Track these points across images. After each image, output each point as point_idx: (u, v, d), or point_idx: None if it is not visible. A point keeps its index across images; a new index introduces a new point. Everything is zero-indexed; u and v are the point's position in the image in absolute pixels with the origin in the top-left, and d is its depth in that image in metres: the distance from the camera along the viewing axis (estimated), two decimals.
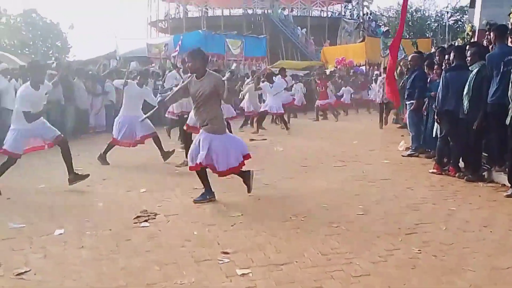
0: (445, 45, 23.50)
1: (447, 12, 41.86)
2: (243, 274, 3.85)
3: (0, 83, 10.59)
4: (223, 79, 6.26)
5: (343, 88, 20.94)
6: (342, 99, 20.46)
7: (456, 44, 12.90)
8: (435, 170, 7.75)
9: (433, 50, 23.91)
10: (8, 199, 6.43)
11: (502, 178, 6.64)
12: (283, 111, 14.37)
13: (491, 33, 7.30)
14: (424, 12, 49.71)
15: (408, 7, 48.11)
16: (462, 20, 41.79)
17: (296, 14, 36.24)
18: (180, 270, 3.97)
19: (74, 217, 5.53)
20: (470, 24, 10.54)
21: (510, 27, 7.70)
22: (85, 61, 23.89)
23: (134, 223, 5.27)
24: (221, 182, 6.90)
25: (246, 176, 6.37)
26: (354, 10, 37.42)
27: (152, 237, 4.81)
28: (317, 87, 18.71)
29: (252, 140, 12.13)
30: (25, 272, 3.92)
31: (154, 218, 5.43)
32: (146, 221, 5.33)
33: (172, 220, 5.40)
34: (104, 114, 14.07)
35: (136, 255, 4.32)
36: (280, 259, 4.13)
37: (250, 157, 6.43)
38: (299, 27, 33.74)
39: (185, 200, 6.29)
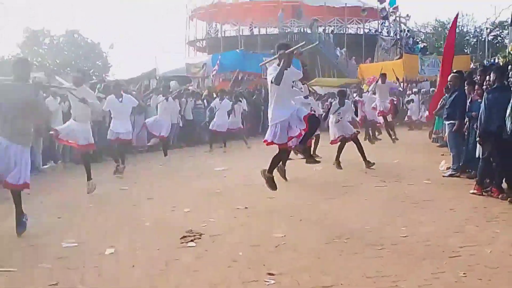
0: (485, 61, 23.36)
1: (486, 28, 41.21)
2: None
3: (51, 104, 11.01)
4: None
5: None
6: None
7: (496, 61, 12.81)
8: (476, 191, 7.68)
9: (472, 66, 23.79)
10: (59, 218, 6.70)
11: None
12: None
13: None
14: (462, 28, 49.15)
15: (445, 22, 47.93)
16: (501, 36, 41.16)
17: (333, 32, 36.30)
18: None
19: (123, 236, 5.74)
20: (511, 44, 10.44)
21: None
22: (127, 80, 24.54)
23: (181, 243, 5.44)
24: (263, 203, 7.07)
25: None
26: (391, 27, 37.24)
27: (199, 257, 4.96)
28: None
29: (290, 159, 12.23)
30: None
31: (200, 238, 5.58)
32: (192, 241, 5.49)
33: (217, 240, 5.54)
34: (145, 133, 14.38)
35: (186, 274, 4.47)
36: (326, 282, 4.22)
37: None
38: (338, 48, 33.83)
39: (228, 220, 6.43)
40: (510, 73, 7.10)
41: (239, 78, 22.10)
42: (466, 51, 42.17)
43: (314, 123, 6.67)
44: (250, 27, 36.65)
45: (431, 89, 24.43)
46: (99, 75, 37.22)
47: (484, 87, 8.40)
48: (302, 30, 35.60)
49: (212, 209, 7.03)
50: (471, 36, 48.02)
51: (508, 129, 6.88)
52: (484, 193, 7.54)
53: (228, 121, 14.91)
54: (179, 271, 4.56)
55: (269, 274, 4.40)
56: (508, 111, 6.88)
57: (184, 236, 5.61)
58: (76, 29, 42.42)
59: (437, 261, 4.68)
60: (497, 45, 39.03)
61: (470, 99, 9.23)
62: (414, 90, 25.20)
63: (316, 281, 4.24)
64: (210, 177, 9.89)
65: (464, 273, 4.34)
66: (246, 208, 7.00)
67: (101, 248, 5.23)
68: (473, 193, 7.66)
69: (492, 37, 40.47)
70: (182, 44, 41.86)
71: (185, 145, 15.79)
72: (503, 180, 7.46)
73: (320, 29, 35.03)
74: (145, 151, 14.14)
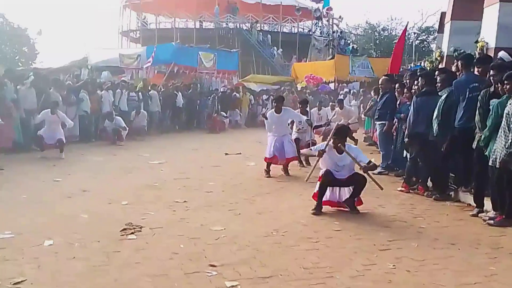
0: (412, 65, 24.41)
1: (414, 33, 43.09)
2: (232, 286, 4.09)
3: None
4: None
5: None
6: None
7: (423, 65, 13.51)
8: (403, 189, 8.15)
9: (400, 69, 24.79)
10: None
11: (468, 198, 7.08)
12: None
13: (459, 62, 7.79)
14: (391, 31, 51.07)
15: (375, 25, 49.62)
16: (427, 41, 43.13)
17: (266, 29, 36.79)
18: (171, 282, 4.19)
19: (61, 228, 5.67)
20: (439, 50, 11.08)
21: (476, 56, 8.22)
22: (56, 69, 23.75)
23: (121, 235, 5.45)
24: (201, 197, 7.17)
25: None
26: (324, 27, 38.14)
27: (140, 250, 5.00)
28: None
29: (226, 154, 12.41)
30: (22, 281, 4.07)
31: (140, 231, 5.62)
32: (132, 233, 5.52)
33: (157, 233, 5.59)
34: (77, 124, 14.07)
35: (127, 267, 4.51)
36: (265, 273, 4.39)
37: None
38: (275, 47, 34.36)
39: (167, 213, 6.48)
40: (438, 78, 7.52)
41: (174, 71, 21.91)
42: None
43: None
44: (185, 21, 36.49)
45: (361, 90, 25.36)
46: (25, 62, 35.81)
47: (413, 90, 8.85)
48: (238, 26, 35.82)
49: (150, 203, 7.05)
50: None
51: (434, 131, 7.34)
52: (411, 191, 8.00)
53: None
54: (120, 264, 4.58)
55: (211, 265, 4.53)
56: (435, 114, 7.34)
57: (124, 229, 5.63)
58: (2, 13, 40.44)
59: (368, 254, 4.97)
60: (423, 49, 40.87)
61: (399, 102, 9.73)
62: (346, 90, 26.01)
63: (256, 272, 4.41)
64: (146, 170, 9.86)
65: (393, 265, 4.65)
66: (184, 201, 7.08)
67: (39, 240, 5.16)
68: (400, 190, 8.11)
69: (418, 42, 42.32)
70: (115, 34, 41.02)
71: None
72: (428, 179, 7.94)
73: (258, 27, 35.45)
74: (76, 142, 13.80)
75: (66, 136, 13.54)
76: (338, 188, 6.84)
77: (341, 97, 21.73)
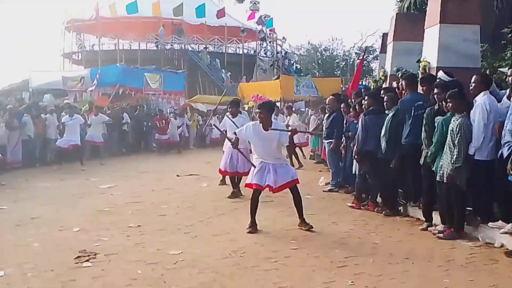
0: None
1: (356, 53, 44.41)
2: None
3: None
4: None
5: None
6: None
7: (366, 84, 13.97)
8: (354, 205, 8.33)
9: (342, 88, 25.46)
10: None
11: (417, 212, 7.33)
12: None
13: (403, 81, 8.11)
14: (333, 52, 52.48)
15: (317, 46, 50.84)
16: (367, 60, 44.47)
17: (212, 50, 37.00)
18: None
19: (12, 258, 5.48)
20: (382, 69, 11.46)
21: (419, 75, 8.57)
22: None
23: (76, 263, 5.31)
24: (156, 221, 7.09)
25: None
26: (268, 48, 38.75)
27: (96, 277, 4.89)
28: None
29: (178, 176, 12.31)
30: None
31: (95, 258, 5.49)
32: (87, 261, 5.39)
33: (113, 259, 5.48)
34: (20, 149, 13.62)
35: None
36: None
37: None
38: (223, 70, 34.57)
39: (121, 239, 6.36)
40: (385, 97, 7.80)
41: (120, 93, 21.61)
42: (336, 73, 45.03)
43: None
44: (129, 42, 36.21)
45: (307, 109, 25.80)
46: None
47: (358, 109, 9.09)
48: (183, 47, 35.83)
49: (103, 228, 6.90)
50: (341, 59, 51.35)
51: (383, 149, 7.58)
52: (362, 207, 8.18)
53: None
54: None
55: None
56: (383, 132, 7.58)
57: (78, 256, 5.49)
58: None
59: (327, 272, 5.05)
60: (364, 68, 42.11)
61: (345, 120, 9.99)
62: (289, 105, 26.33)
63: None
64: (96, 195, 9.64)
65: (352, 282, 4.74)
66: (138, 226, 6.97)
67: None
68: (351, 206, 8.29)
69: (359, 61, 43.60)
70: (57, 56, 40.17)
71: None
72: (378, 195, 8.16)
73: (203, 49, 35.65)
74: (19, 168, 13.35)
75: (9, 161, 13.18)
76: (271, 173, 6.69)
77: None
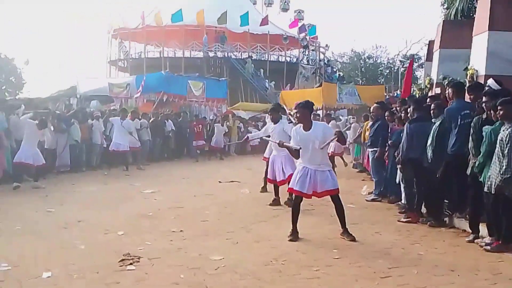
0: (398, 91, 24.74)
1: (400, 61, 43.82)
2: None
3: None
4: None
5: None
6: None
7: (414, 93, 13.74)
8: (410, 219, 7.84)
9: (386, 95, 25.12)
10: None
11: (463, 224, 7.13)
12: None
13: (449, 89, 7.93)
14: (376, 59, 51.94)
15: (361, 53, 50.43)
16: (413, 68, 43.76)
17: (255, 58, 37.17)
18: None
19: (58, 260, 5.61)
20: (428, 77, 11.28)
21: (466, 83, 8.38)
22: (45, 98, 23.76)
23: (120, 266, 5.40)
24: (197, 226, 7.14)
25: None
26: (310, 56, 38.68)
27: (140, 281, 4.96)
28: None
29: (220, 182, 12.39)
30: None
31: (138, 262, 5.57)
32: (131, 264, 5.47)
33: (156, 263, 5.55)
34: (68, 153, 14.01)
35: None
36: None
37: None
38: (267, 80, 34.74)
39: (164, 243, 6.43)
40: (432, 105, 7.65)
41: (164, 99, 21.98)
42: (379, 81, 44.50)
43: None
44: (174, 50, 36.79)
45: (350, 117, 25.58)
46: (12, 92, 35.61)
47: (403, 117, 8.93)
48: (226, 55, 36.17)
49: (147, 232, 7.00)
50: (385, 67, 50.76)
51: (429, 157, 7.42)
52: (418, 222, 7.71)
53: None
54: None
55: None
56: (429, 140, 7.43)
57: (123, 259, 5.58)
58: None
59: (369, 282, 4.97)
60: None
61: (390, 128, 9.84)
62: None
63: None
64: (139, 200, 9.80)
65: None
66: (181, 231, 7.04)
67: (37, 271, 5.11)
68: (407, 221, 7.78)
69: (404, 69, 42.99)
70: (103, 63, 41.17)
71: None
72: (422, 205, 7.99)
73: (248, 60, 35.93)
74: (67, 171, 13.72)
75: (57, 165, 13.56)
76: (312, 178, 6.61)
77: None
